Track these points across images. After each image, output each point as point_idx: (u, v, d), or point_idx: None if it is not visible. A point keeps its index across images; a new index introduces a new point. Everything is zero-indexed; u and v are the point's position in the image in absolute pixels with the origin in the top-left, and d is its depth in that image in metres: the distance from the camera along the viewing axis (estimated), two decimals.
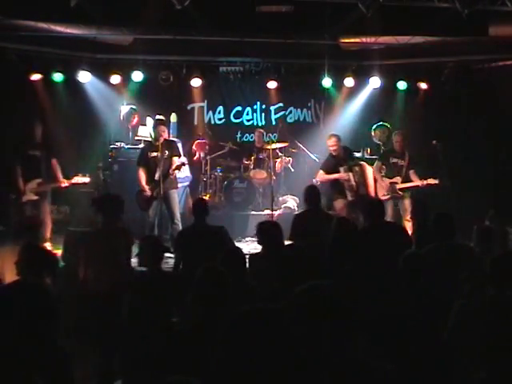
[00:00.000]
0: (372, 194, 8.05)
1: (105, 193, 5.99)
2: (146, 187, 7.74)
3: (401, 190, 8.24)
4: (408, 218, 8.05)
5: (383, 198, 8.38)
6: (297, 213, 7.98)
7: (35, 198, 7.68)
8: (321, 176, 8.08)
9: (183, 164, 8.21)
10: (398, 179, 8.27)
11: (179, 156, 8.14)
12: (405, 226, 7.63)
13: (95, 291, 4.87)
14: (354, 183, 7.78)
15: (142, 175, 7.83)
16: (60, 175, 7.80)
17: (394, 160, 8.40)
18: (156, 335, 3.53)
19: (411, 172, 8.27)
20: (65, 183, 7.74)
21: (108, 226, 5.25)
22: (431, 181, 8.11)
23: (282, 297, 3.46)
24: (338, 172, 7.83)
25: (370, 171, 8.15)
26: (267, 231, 5.02)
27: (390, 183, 8.28)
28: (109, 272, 4.90)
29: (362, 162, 8.17)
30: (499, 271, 3.44)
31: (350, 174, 7.81)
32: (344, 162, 7.88)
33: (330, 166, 7.95)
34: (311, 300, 2.33)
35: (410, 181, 8.25)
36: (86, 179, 7.82)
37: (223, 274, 3.34)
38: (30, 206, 7.69)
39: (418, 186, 8.19)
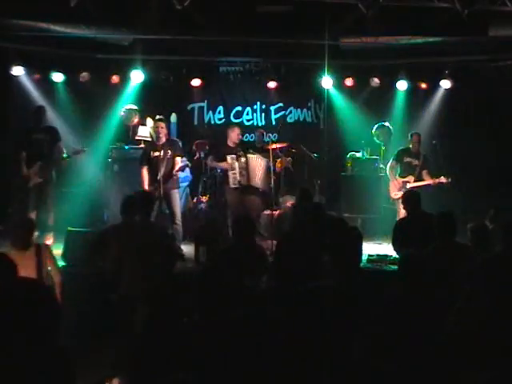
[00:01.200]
0: (255, 185, 8.42)
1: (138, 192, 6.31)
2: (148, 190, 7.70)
3: (413, 188, 8.31)
4: None
5: (395, 196, 8.53)
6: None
7: (40, 180, 7.90)
8: (209, 161, 8.74)
9: (188, 166, 8.27)
10: (410, 178, 8.46)
11: (182, 156, 8.16)
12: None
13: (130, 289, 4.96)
14: (237, 173, 8.26)
15: (146, 175, 7.79)
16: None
17: (408, 159, 8.60)
18: (156, 335, 3.53)
19: (424, 172, 8.42)
20: (65, 162, 8.16)
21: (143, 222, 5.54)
22: (443, 179, 8.21)
23: (280, 297, 3.47)
24: (226, 160, 8.34)
25: (258, 164, 8.44)
26: (239, 225, 5.20)
27: (403, 182, 8.44)
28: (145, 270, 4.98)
29: (251, 155, 8.48)
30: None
31: (236, 163, 8.29)
32: (234, 152, 8.40)
33: (220, 153, 8.52)
34: (312, 300, 2.33)
35: (422, 180, 8.36)
36: (84, 149, 8.24)
37: (223, 274, 3.35)
38: (36, 191, 7.90)
39: (429, 185, 8.30)
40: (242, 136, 10.88)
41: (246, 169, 8.39)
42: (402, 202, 6.58)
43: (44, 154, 7.98)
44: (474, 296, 3.58)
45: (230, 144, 8.59)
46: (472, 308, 3.35)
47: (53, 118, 9.23)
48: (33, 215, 7.74)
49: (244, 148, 8.64)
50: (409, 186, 8.43)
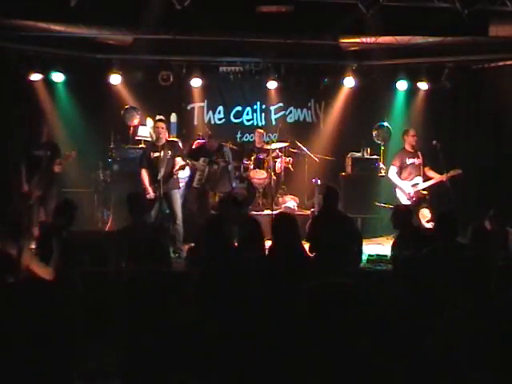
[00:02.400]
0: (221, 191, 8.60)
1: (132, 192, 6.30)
2: (150, 189, 7.71)
3: (425, 189, 8.16)
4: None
5: (408, 203, 8.11)
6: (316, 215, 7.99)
7: (40, 193, 7.96)
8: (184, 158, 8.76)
9: (187, 164, 8.30)
10: (418, 179, 8.21)
11: (182, 156, 8.19)
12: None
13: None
14: (204, 176, 8.57)
15: (145, 176, 7.80)
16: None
17: (411, 160, 8.33)
18: (154, 335, 3.52)
19: (426, 169, 8.24)
20: (58, 168, 8.09)
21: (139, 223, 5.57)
22: (454, 172, 7.98)
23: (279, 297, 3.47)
24: (198, 161, 8.64)
25: (227, 174, 8.58)
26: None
27: (412, 186, 8.21)
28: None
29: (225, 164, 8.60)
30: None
31: (207, 167, 8.54)
32: (207, 155, 8.67)
33: (195, 154, 8.84)
34: (316, 299, 2.32)
35: (429, 178, 8.17)
36: (73, 153, 8.23)
37: (222, 274, 3.34)
38: (38, 204, 7.98)
39: (442, 181, 8.08)
40: (243, 136, 10.98)
41: (214, 174, 8.60)
42: (391, 218, 5.92)
43: (43, 169, 8.03)
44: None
45: (208, 147, 8.84)
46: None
47: (53, 118, 9.24)
48: (36, 229, 7.76)
49: (220, 152, 8.79)
50: (420, 187, 8.23)
